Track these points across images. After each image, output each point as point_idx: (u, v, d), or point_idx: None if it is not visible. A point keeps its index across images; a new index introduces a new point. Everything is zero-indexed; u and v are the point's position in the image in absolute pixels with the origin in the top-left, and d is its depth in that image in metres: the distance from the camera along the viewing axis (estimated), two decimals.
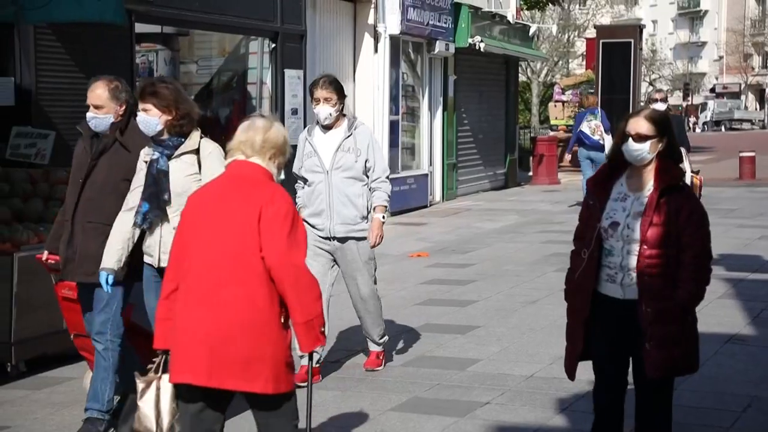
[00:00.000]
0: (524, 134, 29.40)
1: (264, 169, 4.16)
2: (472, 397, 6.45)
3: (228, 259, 3.90)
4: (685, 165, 9.86)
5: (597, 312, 4.59)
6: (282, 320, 4.06)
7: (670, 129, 4.60)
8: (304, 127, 14.20)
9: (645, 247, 4.46)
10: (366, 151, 6.74)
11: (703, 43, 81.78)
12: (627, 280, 4.52)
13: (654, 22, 78.08)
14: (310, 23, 14.50)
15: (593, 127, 16.17)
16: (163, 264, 5.01)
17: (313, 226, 6.69)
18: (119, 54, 10.69)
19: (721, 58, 78.80)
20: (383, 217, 6.82)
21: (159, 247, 5.32)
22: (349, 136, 6.73)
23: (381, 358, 7.11)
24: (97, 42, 10.34)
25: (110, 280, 5.32)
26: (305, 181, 6.83)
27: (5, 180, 8.14)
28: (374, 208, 6.81)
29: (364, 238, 6.78)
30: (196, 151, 5.37)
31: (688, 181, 9.91)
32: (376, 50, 16.47)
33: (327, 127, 6.75)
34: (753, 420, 6.04)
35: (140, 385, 4.26)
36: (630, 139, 4.54)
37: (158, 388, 4.21)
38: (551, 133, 27.75)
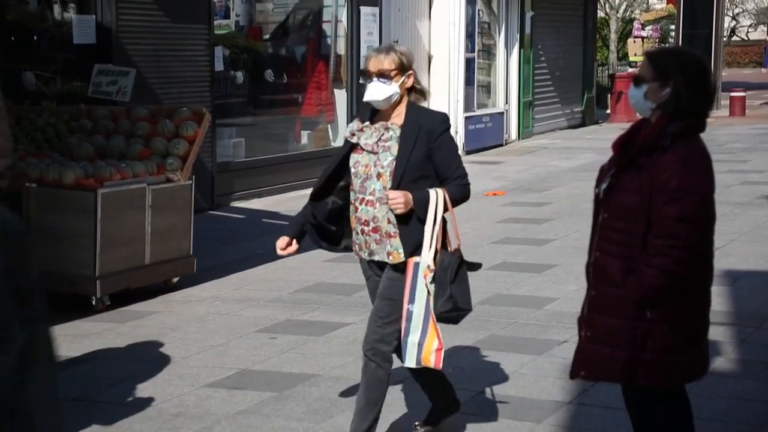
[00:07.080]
0: (602, 71, 28.89)
1: None
2: (549, 335, 6.44)
3: None
4: None
5: None
6: None
7: (682, 73, 3.55)
8: None
9: (606, 215, 3.60)
10: None
11: None
12: None
13: None
14: None
15: None
16: None
17: None
18: None
19: None
20: None
21: None
22: None
23: None
24: None
25: None
26: None
27: (88, 117, 8.29)
28: None
29: None
30: None
31: None
32: None
33: None
34: None
35: None
36: (632, 82, 3.69)
37: None
38: (630, 70, 27.27)
